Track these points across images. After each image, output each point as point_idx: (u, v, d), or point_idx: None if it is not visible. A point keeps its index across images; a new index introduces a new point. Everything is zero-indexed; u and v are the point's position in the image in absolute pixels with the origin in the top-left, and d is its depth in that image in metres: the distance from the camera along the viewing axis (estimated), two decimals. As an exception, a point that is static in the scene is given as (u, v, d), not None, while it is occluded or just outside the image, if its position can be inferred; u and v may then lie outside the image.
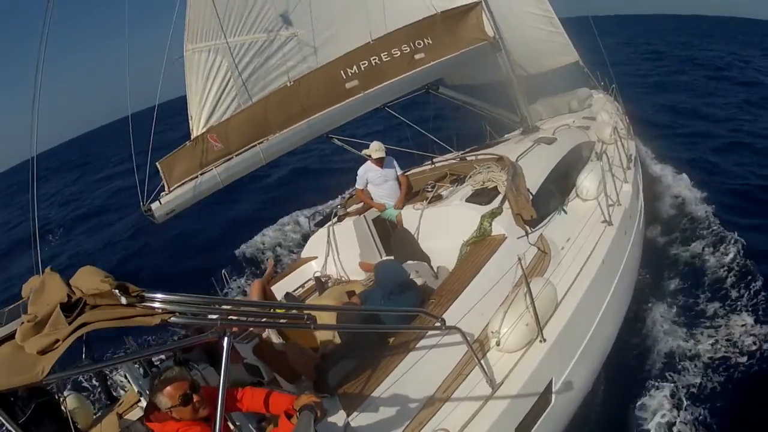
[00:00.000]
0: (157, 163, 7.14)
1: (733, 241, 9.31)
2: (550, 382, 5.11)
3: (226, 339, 2.64)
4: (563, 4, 10.92)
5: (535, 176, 7.24)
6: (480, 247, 6.26)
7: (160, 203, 7.03)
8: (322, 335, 5.44)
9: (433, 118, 10.56)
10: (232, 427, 3.83)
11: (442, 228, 6.87)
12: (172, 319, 2.55)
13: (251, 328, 5.74)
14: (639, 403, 6.49)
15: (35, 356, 2.40)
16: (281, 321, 3.38)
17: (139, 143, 6.99)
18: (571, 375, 5.41)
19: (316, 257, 7.77)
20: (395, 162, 7.85)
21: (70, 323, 2.44)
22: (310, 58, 8.41)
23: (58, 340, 2.41)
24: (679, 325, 7.72)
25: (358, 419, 4.13)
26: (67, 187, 38.69)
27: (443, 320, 4.40)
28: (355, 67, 8.24)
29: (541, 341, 5.08)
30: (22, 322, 2.53)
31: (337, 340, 5.43)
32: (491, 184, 7.05)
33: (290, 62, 8.31)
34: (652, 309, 8.03)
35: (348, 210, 8.09)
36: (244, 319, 2.88)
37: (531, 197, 6.82)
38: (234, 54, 7.83)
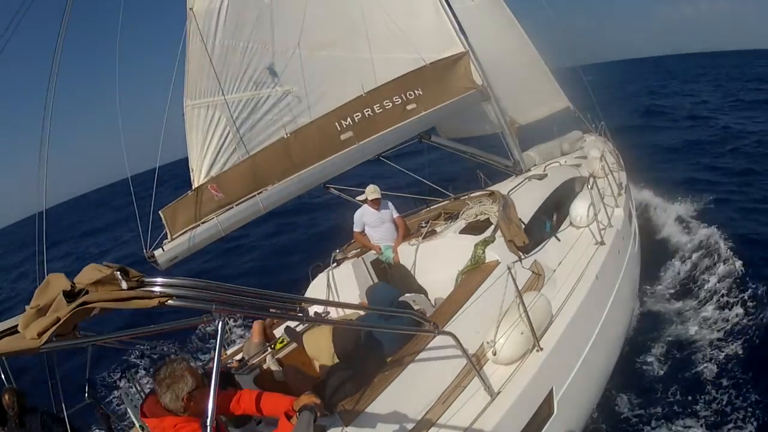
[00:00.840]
0: (159, 212, 7.50)
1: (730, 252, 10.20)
2: (551, 391, 5.24)
3: (220, 322, 2.77)
4: (552, 55, 11.53)
5: (527, 207, 7.58)
6: (474, 274, 6.50)
7: (164, 250, 7.34)
8: (320, 363, 5.60)
9: (429, 166, 10.99)
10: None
11: (438, 261, 7.16)
12: (169, 302, 2.63)
13: (251, 361, 5.99)
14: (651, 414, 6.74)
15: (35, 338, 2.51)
16: (274, 310, 3.49)
17: (140, 200, 7.42)
18: (574, 386, 5.56)
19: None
20: (391, 204, 8.23)
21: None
22: (305, 113, 8.82)
23: (59, 319, 2.53)
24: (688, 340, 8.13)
25: None
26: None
27: (436, 325, 4.54)
28: (349, 119, 8.64)
29: (538, 350, 5.27)
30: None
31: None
32: (483, 216, 7.37)
33: (286, 117, 8.75)
34: (659, 326, 8.46)
35: (347, 254, 8.38)
36: (240, 304, 2.94)
37: (523, 226, 7.10)
38: (232, 110, 8.29)
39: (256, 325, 6.67)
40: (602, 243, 7.16)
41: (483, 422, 4.50)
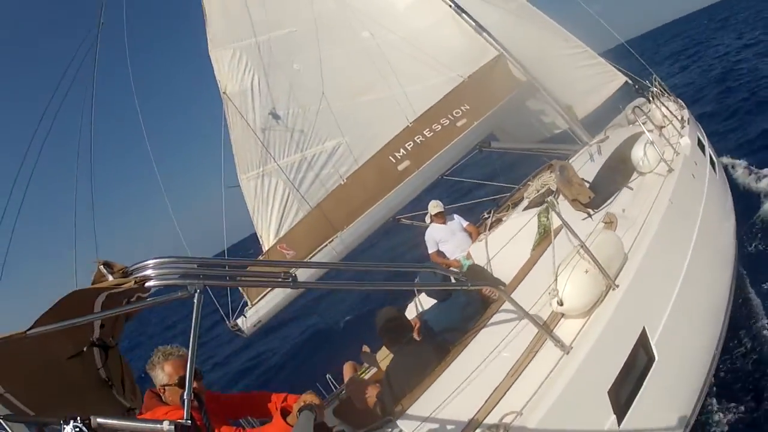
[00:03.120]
0: (235, 282, 7.95)
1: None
2: (644, 333, 4.80)
3: (196, 295, 2.72)
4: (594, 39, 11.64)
5: (590, 168, 7.46)
6: (544, 242, 6.33)
7: (245, 317, 7.73)
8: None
9: (500, 173, 11.06)
10: None
11: (509, 246, 7.06)
12: (148, 283, 2.73)
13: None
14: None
15: None
16: (260, 279, 3.56)
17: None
18: (675, 326, 5.17)
19: None
20: (457, 215, 8.39)
21: None
22: (360, 159, 9.27)
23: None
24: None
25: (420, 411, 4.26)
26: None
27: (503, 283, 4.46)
28: (402, 149, 8.98)
29: (613, 289, 4.87)
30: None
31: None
32: (544, 187, 7.32)
33: (343, 168, 9.23)
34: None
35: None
36: (224, 277, 3.03)
37: (587, 184, 7.00)
38: (287, 173, 8.88)
39: (347, 367, 6.77)
40: (671, 170, 6.94)
41: (556, 381, 4.08)
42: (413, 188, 8.87)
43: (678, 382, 5.32)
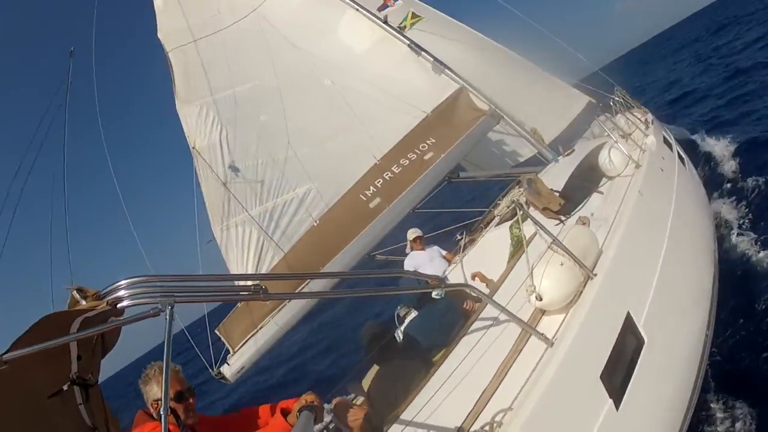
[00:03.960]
0: (216, 330, 8.11)
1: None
2: (629, 317, 4.88)
3: (168, 311, 2.73)
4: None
5: (559, 178, 7.70)
6: (519, 252, 6.42)
7: (229, 365, 7.86)
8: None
9: (471, 199, 11.33)
10: None
11: (485, 264, 7.27)
12: (120, 304, 2.76)
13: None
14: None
15: None
16: (232, 294, 3.66)
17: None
18: (660, 308, 5.28)
19: None
20: (437, 246, 8.57)
21: None
22: (331, 202, 9.52)
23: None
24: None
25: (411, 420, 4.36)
26: None
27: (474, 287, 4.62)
28: (371, 187, 9.22)
29: (591, 279, 4.97)
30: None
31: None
32: (514, 203, 7.53)
33: (315, 212, 9.44)
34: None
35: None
36: (196, 294, 3.03)
37: (557, 193, 7.22)
38: (260, 221, 9.09)
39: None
40: (638, 166, 7.19)
41: (543, 373, 4.11)
42: (386, 224, 9.06)
43: (672, 362, 5.40)
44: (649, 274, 5.59)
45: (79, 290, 2.80)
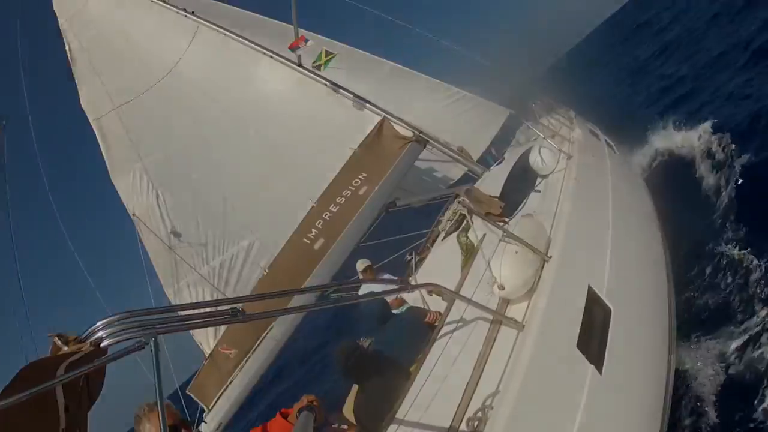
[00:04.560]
0: (187, 391, 8.33)
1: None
2: (590, 289, 5.17)
3: (152, 343, 2.76)
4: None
5: (494, 184, 8.29)
6: (471, 258, 6.82)
7: (206, 422, 8.09)
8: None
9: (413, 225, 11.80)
10: None
11: (438, 278, 7.67)
12: (102, 344, 2.75)
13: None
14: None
15: None
16: (210, 319, 3.85)
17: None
18: (618, 278, 5.61)
19: None
20: (388, 273, 8.97)
21: None
22: (276, 249, 9.84)
23: None
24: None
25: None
26: None
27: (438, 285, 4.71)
28: (313, 229, 9.53)
29: (547, 261, 5.32)
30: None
31: None
32: (455, 215, 7.97)
33: (263, 261, 9.76)
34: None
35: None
36: (177, 324, 2.94)
37: (495, 198, 7.75)
38: (211, 279, 9.36)
39: None
40: (570, 156, 7.77)
41: (520, 354, 4.34)
42: (334, 262, 9.41)
43: (642, 324, 5.79)
44: (602, 247, 6.00)
45: (60, 336, 2.79)
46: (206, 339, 9.01)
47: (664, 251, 7.81)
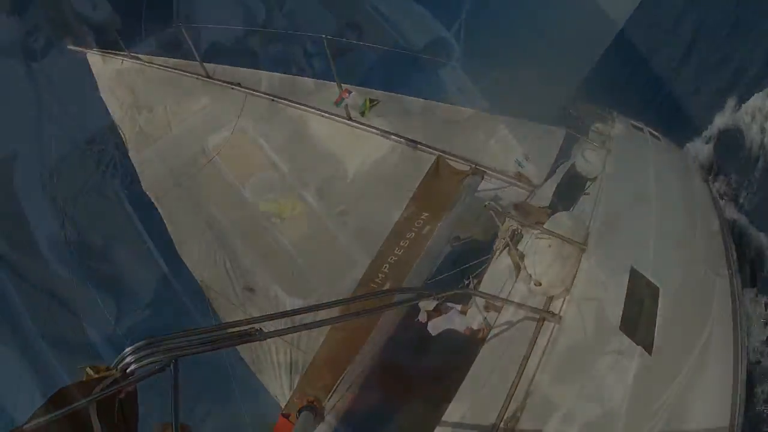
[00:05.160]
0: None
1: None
2: (633, 272, 5.14)
3: (172, 366, 2.98)
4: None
5: (544, 197, 8.32)
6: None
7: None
8: None
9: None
10: None
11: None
12: (129, 369, 2.96)
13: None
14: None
15: None
16: (230, 341, 3.88)
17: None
18: (665, 258, 5.57)
19: None
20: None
21: None
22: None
23: None
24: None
25: None
26: None
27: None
28: (380, 273, 9.50)
29: (584, 249, 5.34)
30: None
31: None
32: (507, 231, 7.85)
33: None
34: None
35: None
36: (196, 346, 3.19)
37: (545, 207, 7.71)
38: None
39: None
40: (609, 151, 7.72)
41: (558, 341, 4.47)
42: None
43: (694, 301, 5.56)
44: (646, 228, 5.96)
45: (92, 367, 2.97)
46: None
47: (723, 232, 7.37)
